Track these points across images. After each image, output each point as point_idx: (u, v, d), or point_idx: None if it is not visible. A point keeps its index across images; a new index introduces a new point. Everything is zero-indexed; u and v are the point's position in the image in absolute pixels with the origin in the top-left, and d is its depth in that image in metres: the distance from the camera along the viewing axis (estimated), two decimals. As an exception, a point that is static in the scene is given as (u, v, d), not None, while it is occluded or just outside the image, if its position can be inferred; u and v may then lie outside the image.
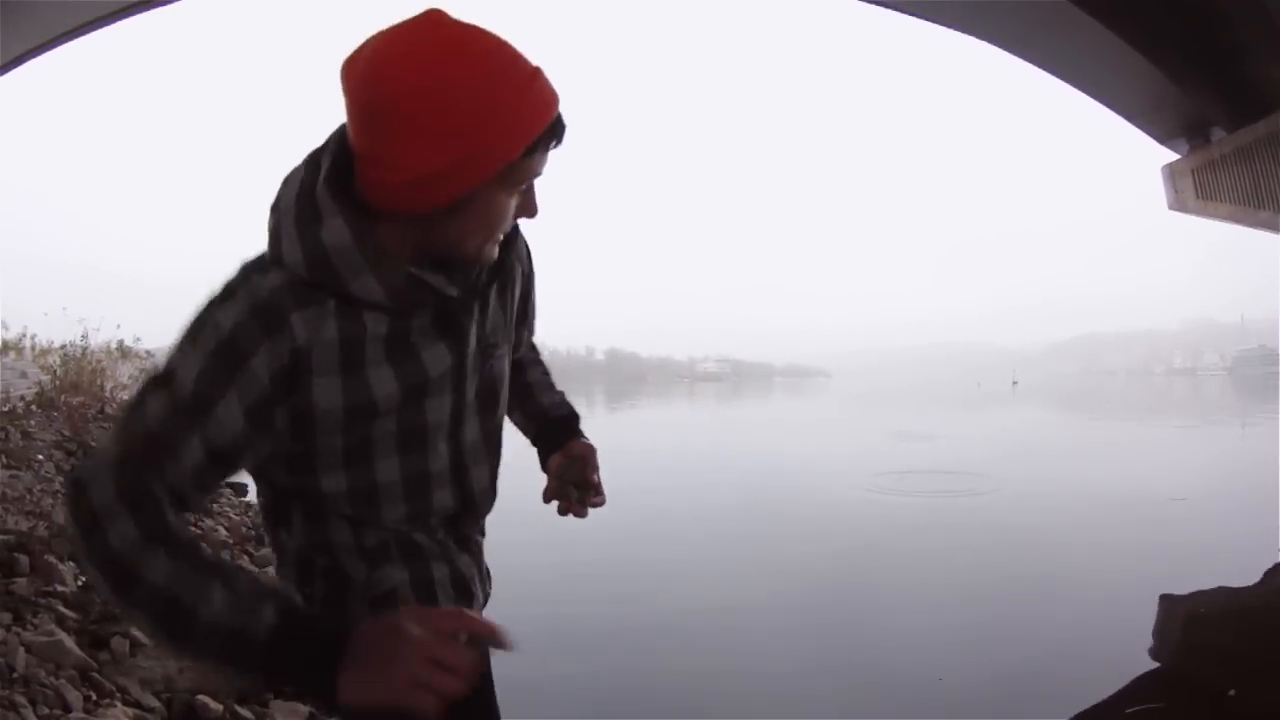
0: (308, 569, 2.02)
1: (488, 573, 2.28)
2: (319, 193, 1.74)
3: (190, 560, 1.58)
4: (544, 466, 2.39)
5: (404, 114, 1.60)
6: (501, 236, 1.87)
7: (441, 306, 1.89)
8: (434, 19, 1.64)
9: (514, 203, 1.80)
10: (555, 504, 2.34)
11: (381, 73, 1.61)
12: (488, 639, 1.62)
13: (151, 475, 1.64)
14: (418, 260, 1.81)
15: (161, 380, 1.70)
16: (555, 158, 1.80)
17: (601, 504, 2.33)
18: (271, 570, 2.25)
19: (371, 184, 1.71)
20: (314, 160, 1.80)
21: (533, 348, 2.55)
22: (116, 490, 1.59)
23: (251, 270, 1.78)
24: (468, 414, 2.06)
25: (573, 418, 2.47)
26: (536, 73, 1.70)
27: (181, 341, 1.72)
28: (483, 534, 2.26)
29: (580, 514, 2.31)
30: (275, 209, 1.81)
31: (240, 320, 1.70)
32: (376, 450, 1.92)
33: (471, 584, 2.13)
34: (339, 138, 1.78)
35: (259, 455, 1.81)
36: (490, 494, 2.18)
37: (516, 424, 2.48)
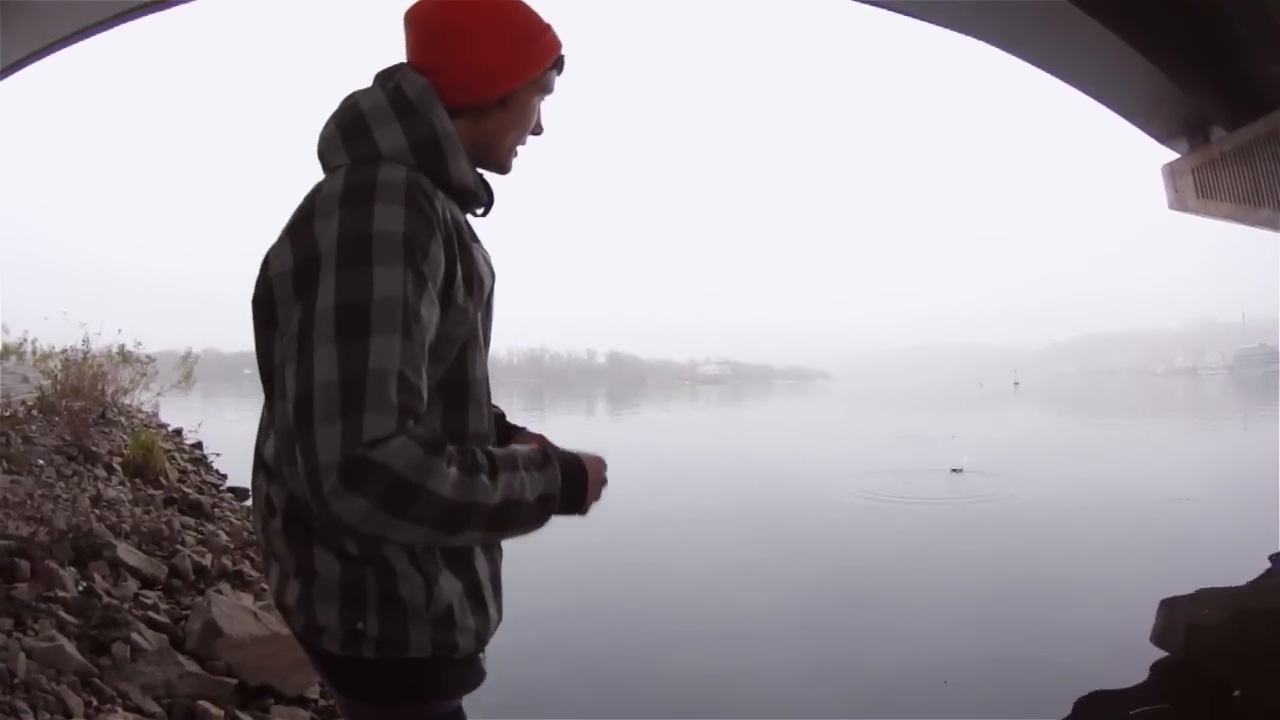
0: (358, 596, 1.97)
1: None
2: (417, 94, 2.05)
3: (501, 465, 1.88)
4: None
5: (476, 26, 2.09)
6: (521, 149, 2.28)
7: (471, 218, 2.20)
8: None
9: (536, 113, 2.25)
10: None
11: (455, 2, 2.10)
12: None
13: (416, 407, 1.77)
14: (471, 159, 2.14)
15: (363, 313, 1.74)
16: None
17: None
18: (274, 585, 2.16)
19: (446, 86, 2.08)
20: (388, 78, 2.14)
21: None
22: (420, 448, 1.73)
23: (370, 173, 1.88)
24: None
25: (503, 415, 2.50)
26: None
27: (350, 265, 1.77)
28: None
29: None
30: (355, 118, 2.04)
31: (406, 215, 1.82)
32: (474, 340, 2.09)
33: (500, 576, 2.22)
34: (399, 68, 2.15)
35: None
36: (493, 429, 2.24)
37: None
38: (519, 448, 1.99)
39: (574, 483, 2.02)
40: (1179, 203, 21.66)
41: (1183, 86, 18.41)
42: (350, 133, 2.02)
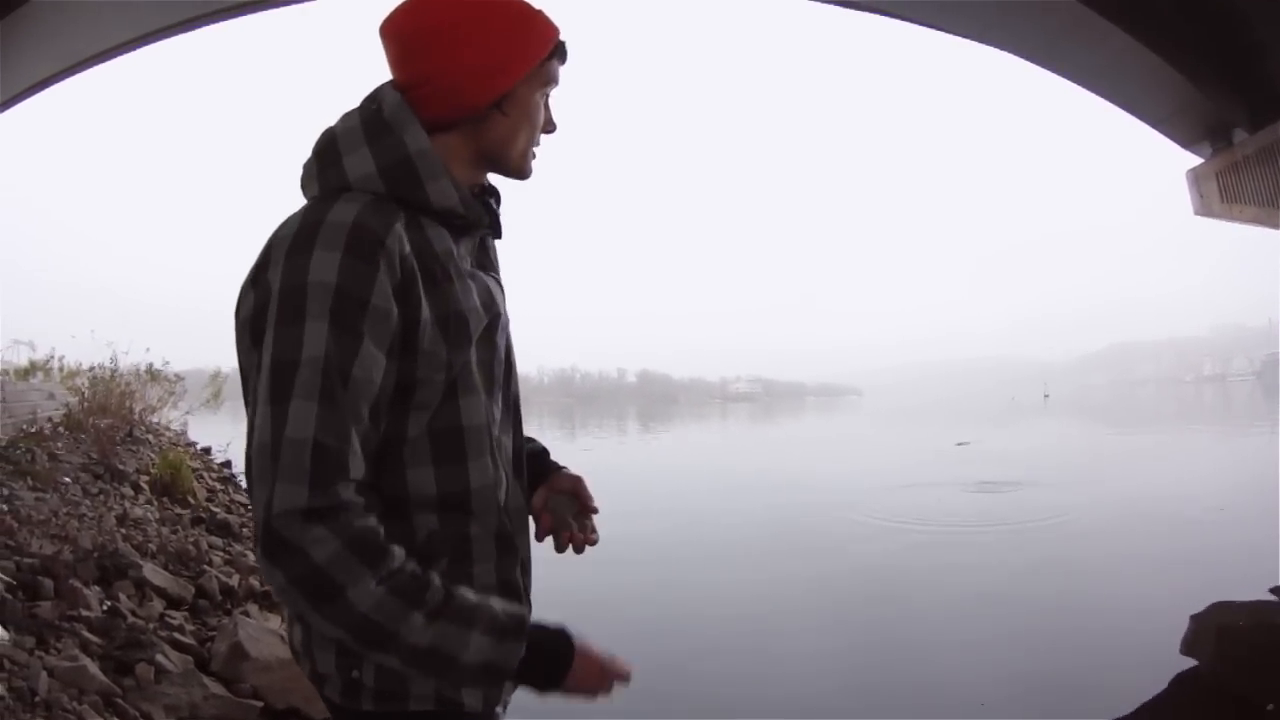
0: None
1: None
2: (390, 112, 1.89)
3: (441, 610, 1.71)
4: (529, 502, 2.22)
5: (456, 26, 1.89)
6: (537, 150, 2.09)
7: (480, 241, 2.08)
8: None
9: (543, 108, 2.05)
10: (550, 538, 2.22)
11: (428, 4, 1.90)
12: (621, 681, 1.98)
13: (345, 487, 1.66)
14: (474, 173, 2.03)
15: (289, 374, 1.67)
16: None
17: (595, 540, 2.25)
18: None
19: (431, 99, 1.91)
20: (371, 99, 1.96)
21: None
22: (346, 548, 1.64)
23: (320, 212, 1.78)
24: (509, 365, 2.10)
25: (546, 452, 2.35)
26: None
27: (284, 321, 1.70)
28: (527, 570, 2.10)
29: (581, 547, 2.21)
30: (328, 144, 1.91)
31: (343, 264, 1.70)
32: (465, 384, 1.90)
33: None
34: (382, 87, 1.97)
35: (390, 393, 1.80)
36: (522, 470, 2.13)
37: None
38: (496, 604, 1.80)
39: (551, 663, 1.84)
40: (1204, 208, 21.56)
41: (1204, 90, 18.33)
42: (323, 160, 1.91)
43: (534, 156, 2.09)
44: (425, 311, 1.79)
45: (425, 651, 1.69)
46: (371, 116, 1.90)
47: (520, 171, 2.08)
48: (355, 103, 1.96)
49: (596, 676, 1.90)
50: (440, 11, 1.89)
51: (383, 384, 1.74)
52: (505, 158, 2.03)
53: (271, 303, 1.72)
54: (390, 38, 1.94)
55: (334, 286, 1.69)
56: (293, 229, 1.77)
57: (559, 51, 2.03)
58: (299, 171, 1.96)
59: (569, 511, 2.20)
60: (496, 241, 2.18)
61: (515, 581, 2.00)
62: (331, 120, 1.94)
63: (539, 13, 1.99)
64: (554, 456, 2.35)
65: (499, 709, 2.03)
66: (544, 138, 2.11)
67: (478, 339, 1.92)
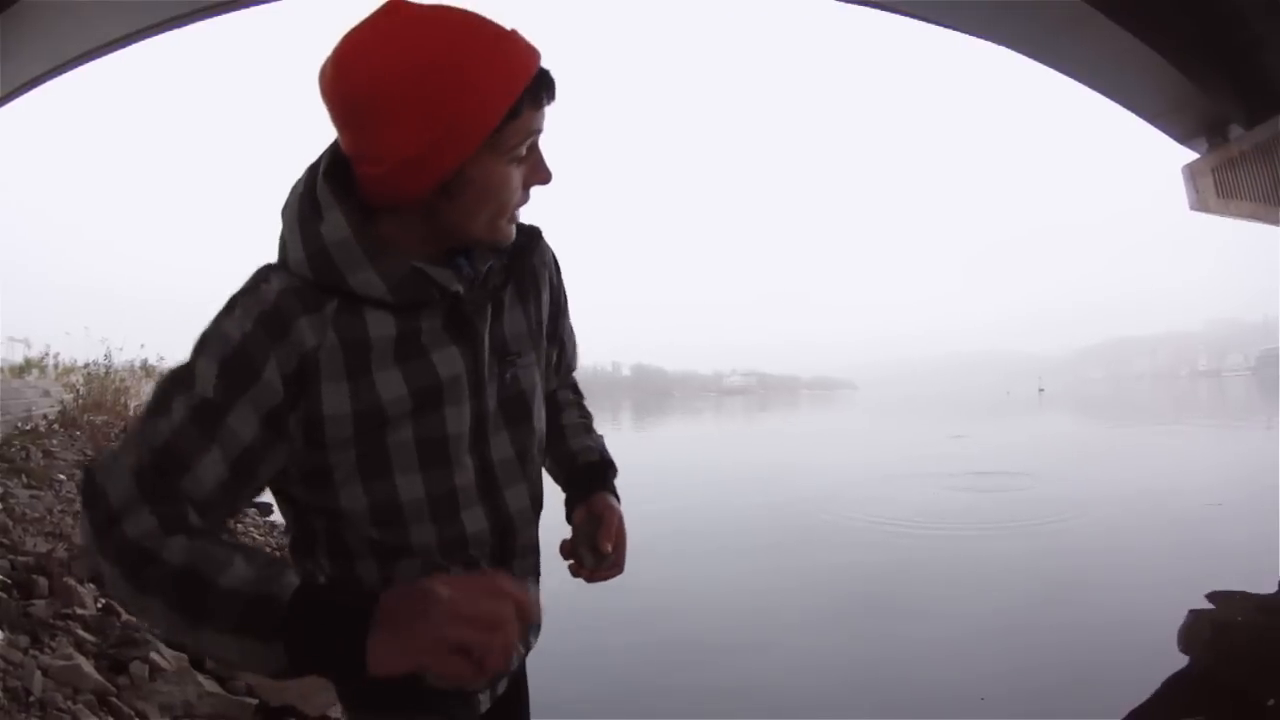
0: None
1: (537, 624, 2.03)
2: (319, 190, 1.72)
3: (209, 540, 1.51)
4: (569, 518, 2.19)
5: (374, 102, 1.59)
6: (516, 213, 1.81)
7: (451, 306, 1.81)
8: (391, 7, 1.62)
9: (517, 171, 1.74)
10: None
11: (347, 68, 1.61)
12: (520, 608, 1.43)
13: (169, 483, 1.57)
14: (429, 254, 1.78)
15: (177, 388, 1.63)
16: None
17: (614, 574, 2.13)
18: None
19: (364, 180, 1.70)
20: (315, 165, 1.78)
21: (574, 388, 2.47)
22: (137, 489, 1.54)
23: (258, 278, 1.73)
24: (492, 426, 1.92)
25: (604, 465, 2.27)
26: (505, 33, 1.66)
27: (194, 352, 1.67)
28: (537, 574, 2.07)
29: (589, 580, 2.11)
30: (282, 214, 1.78)
31: (247, 330, 1.64)
32: (395, 463, 1.79)
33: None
34: (336, 142, 1.75)
35: (275, 466, 1.71)
36: (530, 516, 2.00)
37: (547, 469, 2.24)
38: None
39: (345, 616, 1.41)
40: (1200, 203, 21.62)
41: (1201, 86, 18.39)
42: (281, 229, 1.79)
43: (513, 220, 1.82)
44: (329, 403, 1.70)
45: (178, 571, 1.46)
46: (306, 192, 1.76)
47: (494, 243, 1.83)
48: None
49: (444, 622, 1.38)
50: (360, 78, 1.61)
51: (249, 447, 1.64)
52: (467, 237, 1.79)
53: (205, 325, 1.70)
54: (323, 97, 1.68)
55: (236, 345, 1.64)
56: (242, 284, 1.75)
57: (536, 94, 1.69)
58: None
59: (586, 541, 2.10)
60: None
61: None
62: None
63: (498, 55, 1.64)
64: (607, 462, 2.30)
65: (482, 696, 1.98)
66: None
67: (414, 420, 1.78)
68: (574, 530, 2.12)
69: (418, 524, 1.82)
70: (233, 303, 1.69)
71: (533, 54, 1.67)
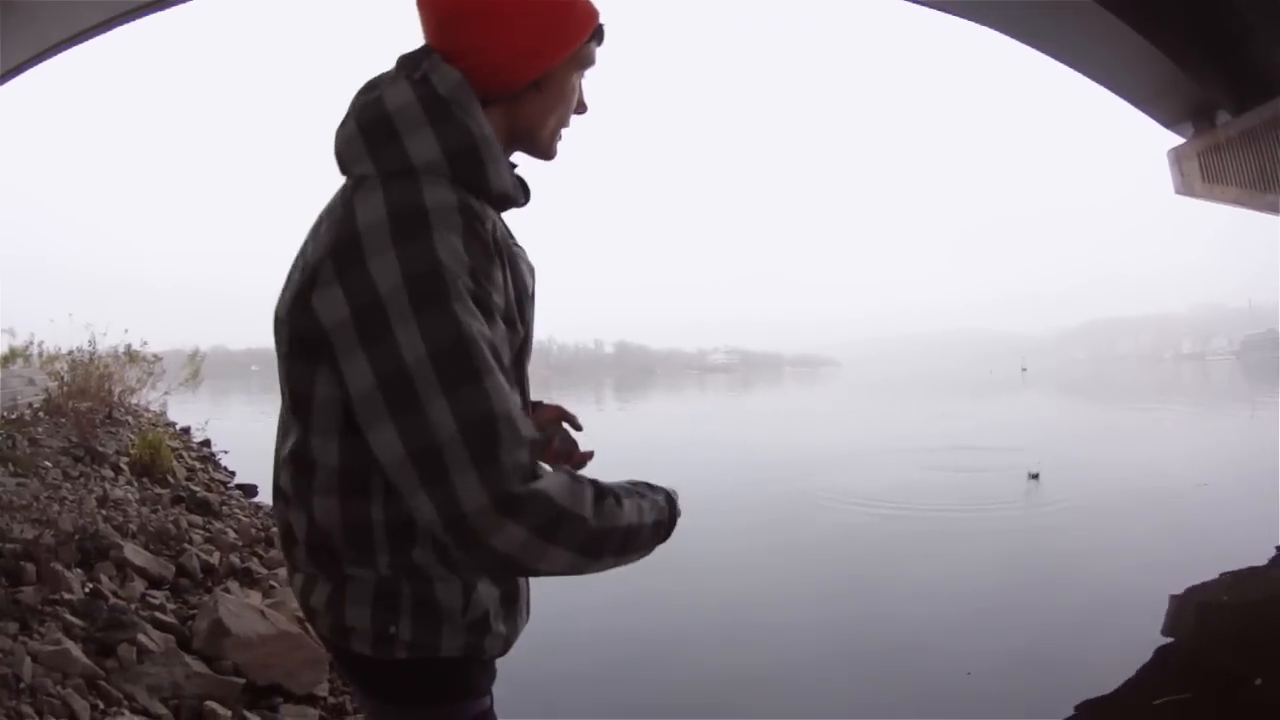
0: (392, 602, 1.86)
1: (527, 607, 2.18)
2: (450, 92, 1.83)
3: (623, 495, 1.83)
4: None
5: (498, 4, 1.84)
6: (564, 132, 2.07)
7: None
8: None
9: (577, 91, 2.03)
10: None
11: None
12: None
13: (529, 434, 1.69)
14: (507, 152, 1.98)
15: (463, 356, 1.63)
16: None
17: (591, 455, 2.37)
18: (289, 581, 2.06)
19: (474, 71, 1.86)
20: (413, 67, 1.88)
21: None
22: (566, 475, 1.73)
23: (406, 196, 1.71)
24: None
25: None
26: None
27: (426, 309, 1.64)
28: None
29: (582, 464, 2.31)
30: (378, 120, 1.82)
31: (467, 245, 1.70)
32: (516, 361, 1.91)
33: (529, 587, 2.12)
34: (425, 57, 1.89)
35: None
36: None
37: None
38: (626, 482, 1.92)
39: (674, 508, 1.99)
40: (1185, 187, 21.65)
41: (1188, 71, 18.39)
42: (375, 137, 1.80)
43: (560, 138, 2.08)
44: (511, 291, 1.82)
45: (627, 533, 1.80)
46: (427, 93, 1.82)
47: (547, 152, 2.06)
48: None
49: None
50: None
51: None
52: (536, 137, 2.01)
53: (394, 295, 1.65)
54: (427, 7, 1.89)
55: (466, 268, 1.67)
56: (382, 214, 1.70)
57: (598, 35, 2.00)
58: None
59: (566, 438, 2.36)
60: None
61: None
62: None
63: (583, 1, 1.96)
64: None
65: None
66: (574, 119, 2.09)
67: (520, 310, 1.91)
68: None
69: None
70: (421, 226, 1.67)
71: (598, 7, 1.99)
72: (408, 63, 1.89)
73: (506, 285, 1.79)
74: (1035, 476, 16.48)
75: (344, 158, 1.86)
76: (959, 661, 7.30)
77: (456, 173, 1.78)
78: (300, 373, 1.83)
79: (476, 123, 1.83)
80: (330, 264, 1.72)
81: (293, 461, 1.90)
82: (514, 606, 2.02)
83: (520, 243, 2.02)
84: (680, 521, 2.00)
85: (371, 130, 1.81)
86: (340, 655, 1.98)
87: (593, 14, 1.96)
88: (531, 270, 2.01)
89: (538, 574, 1.77)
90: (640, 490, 1.91)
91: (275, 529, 2.12)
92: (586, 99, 2.07)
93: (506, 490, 1.60)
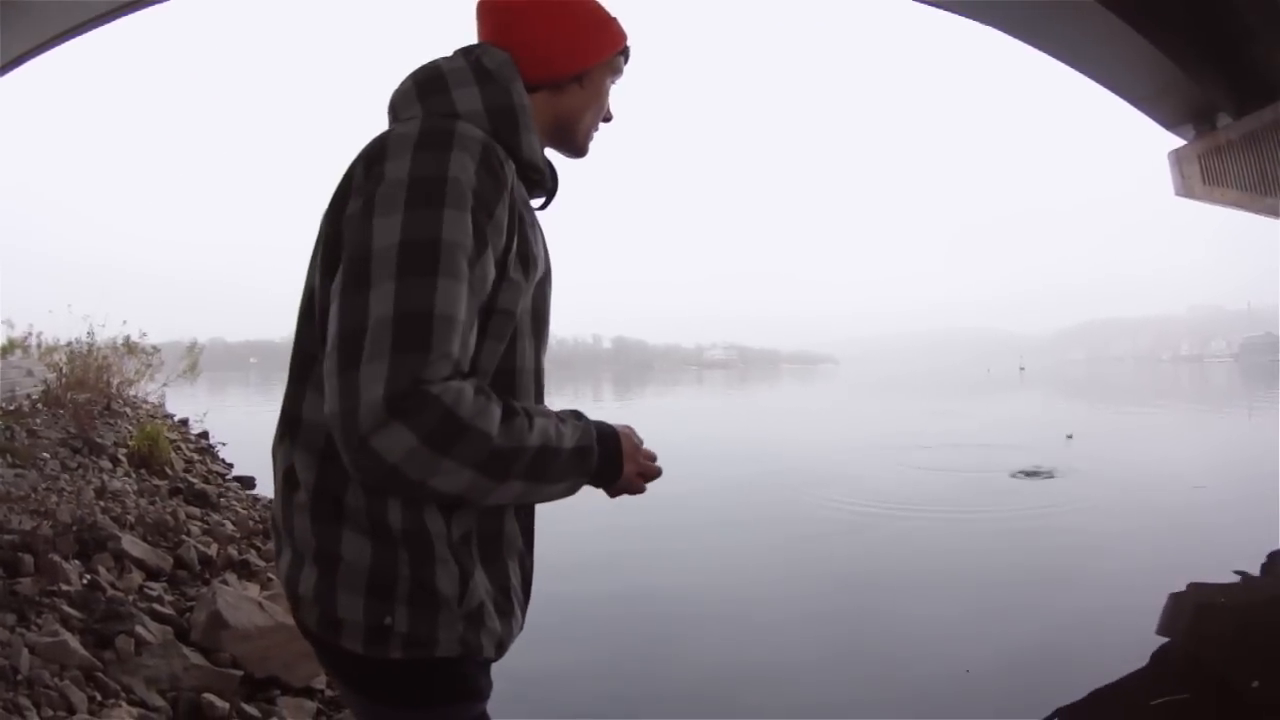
0: (387, 589, 1.80)
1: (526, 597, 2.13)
2: (497, 66, 2.02)
3: (536, 414, 1.82)
4: None
5: (552, 6, 2.09)
6: (595, 133, 2.26)
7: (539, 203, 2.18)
8: None
9: (608, 96, 2.24)
10: None
11: None
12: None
13: (459, 348, 1.69)
14: (545, 142, 2.15)
15: (430, 253, 1.68)
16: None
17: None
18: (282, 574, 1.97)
19: (525, 61, 2.06)
20: (469, 51, 2.07)
21: None
22: (470, 388, 1.69)
23: (446, 124, 1.85)
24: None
25: None
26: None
27: (419, 204, 1.72)
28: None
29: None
30: (433, 75, 2.01)
31: (479, 172, 1.78)
32: (521, 327, 1.96)
33: (526, 592, 2.08)
34: (478, 44, 2.10)
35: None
36: None
37: None
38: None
39: (608, 444, 1.97)
40: (1185, 189, 21.67)
41: (1189, 73, 18.40)
42: (427, 88, 1.98)
43: (592, 138, 2.26)
44: (516, 243, 1.87)
45: (538, 453, 1.78)
46: (476, 62, 2.02)
47: (581, 148, 2.24)
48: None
49: (631, 446, 2.05)
50: None
51: (489, 293, 1.82)
52: (573, 130, 2.18)
53: (396, 186, 1.74)
54: (490, 9, 2.12)
55: (473, 188, 1.76)
56: (413, 130, 1.83)
57: (625, 52, 2.23)
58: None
59: None
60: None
61: (529, 527, 2.10)
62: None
63: (614, 18, 2.19)
64: None
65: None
66: (602, 125, 2.28)
67: (538, 284, 1.99)
68: None
69: (525, 397, 1.98)
70: (444, 142, 1.80)
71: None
72: (464, 49, 2.08)
73: (513, 235, 1.86)
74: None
75: (396, 106, 2.02)
76: (958, 659, 7.29)
77: (494, 128, 1.94)
78: (323, 285, 1.86)
79: (518, 92, 2.01)
80: (361, 167, 1.84)
81: (315, 386, 1.86)
82: (508, 604, 1.96)
83: (542, 231, 2.09)
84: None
85: (425, 83, 2.00)
86: (326, 651, 1.91)
87: (623, 33, 2.20)
88: (547, 259, 2.08)
89: (434, 495, 1.72)
90: (561, 414, 1.92)
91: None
92: (613, 109, 2.27)
93: (401, 389, 1.60)
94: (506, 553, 1.98)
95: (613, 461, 1.97)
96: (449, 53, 2.09)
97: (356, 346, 1.63)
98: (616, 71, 2.23)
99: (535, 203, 2.14)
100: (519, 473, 1.75)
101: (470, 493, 1.72)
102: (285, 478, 1.92)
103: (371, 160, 1.82)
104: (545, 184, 2.15)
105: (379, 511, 1.80)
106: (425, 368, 1.62)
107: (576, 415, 1.95)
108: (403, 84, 2.03)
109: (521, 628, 2.05)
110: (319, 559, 1.84)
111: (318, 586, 1.84)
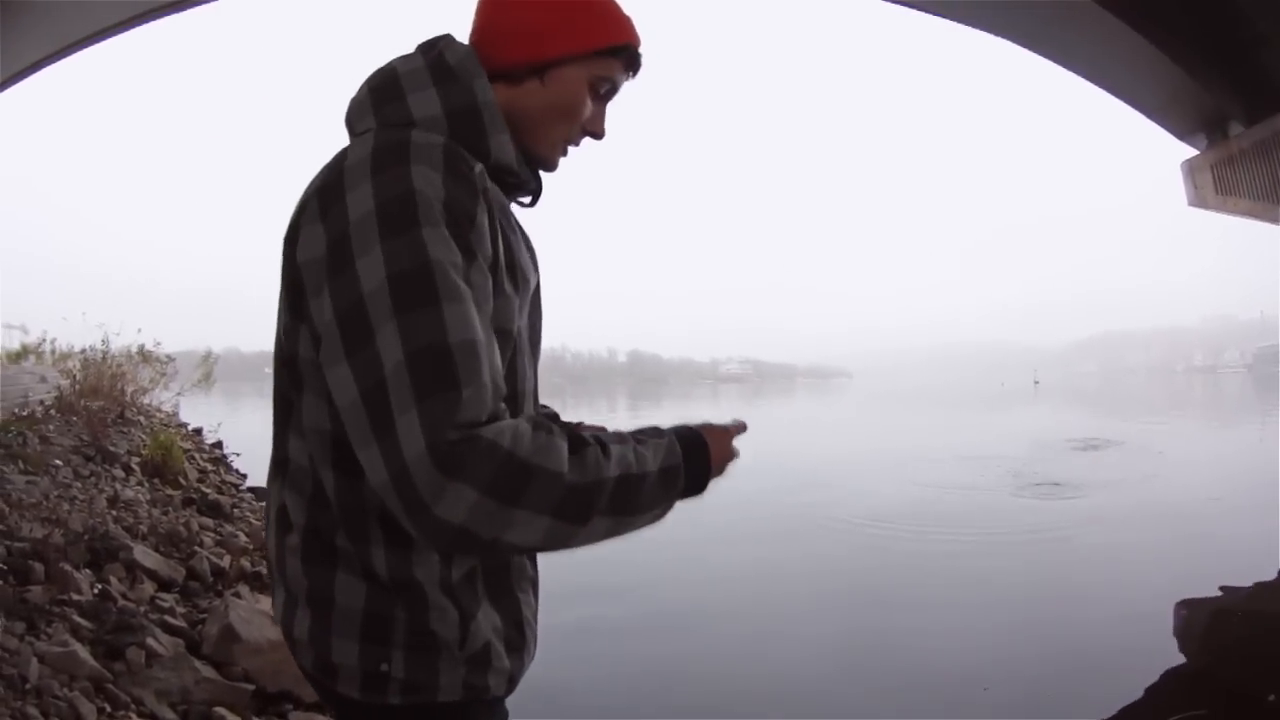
0: (383, 633, 1.71)
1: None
2: (458, 61, 1.83)
3: (611, 440, 1.66)
4: None
5: None
6: (569, 145, 1.98)
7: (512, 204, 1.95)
8: None
9: (590, 104, 1.93)
10: None
11: None
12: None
13: (495, 379, 1.54)
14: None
15: (422, 280, 1.50)
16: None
17: None
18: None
19: (485, 47, 1.87)
20: (430, 46, 1.88)
21: None
22: (528, 424, 1.53)
23: (398, 136, 1.66)
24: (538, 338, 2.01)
25: (554, 415, 2.23)
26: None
27: (392, 233, 1.53)
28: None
29: None
30: (387, 80, 1.83)
31: (447, 181, 1.60)
32: (519, 344, 1.82)
33: (536, 620, 1.96)
34: (441, 37, 1.91)
35: None
36: None
37: None
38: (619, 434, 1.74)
39: (696, 453, 1.78)
40: (1198, 199, 21.60)
41: (1201, 82, 18.37)
42: (381, 96, 1.80)
43: (564, 151, 1.98)
44: (502, 255, 1.70)
45: (620, 483, 1.61)
46: (435, 60, 1.83)
47: (545, 159, 1.96)
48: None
49: (724, 449, 1.90)
50: None
51: (493, 305, 1.65)
52: (533, 132, 1.90)
53: (364, 221, 1.55)
54: None
55: (442, 200, 1.57)
56: (366, 152, 1.63)
57: (625, 56, 1.94)
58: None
59: None
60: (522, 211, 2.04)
61: (536, 559, 2.00)
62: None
63: (615, 11, 1.92)
64: None
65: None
66: (587, 142, 2.01)
67: (531, 299, 1.87)
68: None
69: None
70: (400, 157, 1.60)
71: (639, 35, 1.95)
72: (425, 44, 1.90)
73: (497, 244, 1.68)
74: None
75: (351, 119, 1.85)
76: (974, 677, 7.26)
77: (455, 130, 1.77)
78: (289, 328, 1.73)
79: (482, 88, 1.82)
80: (315, 201, 1.66)
81: (295, 430, 1.77)
82: (519, 636, 1.87)
83: (527, 237, 1.93)
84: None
85: (379, 90, 1.83)
86: (326, 695, 1.83)
87: (618, 30, 1.91)
88: (535, 268, 1.92)
89: (513, 549, 1.55)
90: (637, 434, 1.74)
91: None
92: (604, 125, 1.99)
93: (445, 439, 1.43)
94: (517, 585, 1.89)
95: (700, 473, 1.79)
96: (412, 49, 1.91)
97: (382, 406, 1.47)
98: (602, 78, 1.92)
99: (524, 200, 2.00)
100: (602, 509, 1.58)
101: (551, 541, 1.55)
102: (278, 517, 1.82)
103: (329, 197, 1.63)
104: (526, 184, 1.94)
105: (366, 556, 1.70)
106: (462, 409, 1.45)
107: (657, 432, 1.77)
108: (358, 92, 1.86)
109: (534, 654, 1.95)
110: (312, 602, 1.75)
111: (312, 630, 1.76)
